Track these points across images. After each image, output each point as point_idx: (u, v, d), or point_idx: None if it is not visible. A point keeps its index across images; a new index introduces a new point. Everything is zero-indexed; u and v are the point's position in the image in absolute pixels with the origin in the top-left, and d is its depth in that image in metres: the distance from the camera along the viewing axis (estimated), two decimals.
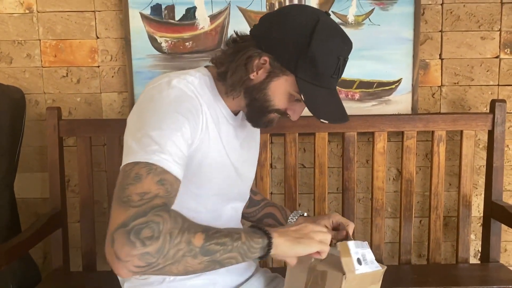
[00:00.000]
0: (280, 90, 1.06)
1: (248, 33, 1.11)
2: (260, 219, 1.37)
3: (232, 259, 0.89)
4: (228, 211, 1.20)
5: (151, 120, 0.95)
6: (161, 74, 1.09)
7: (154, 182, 0.86)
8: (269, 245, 0.92)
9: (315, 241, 0.95)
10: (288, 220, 1.30)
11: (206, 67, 1.15)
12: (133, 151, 0.90)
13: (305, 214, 1.31)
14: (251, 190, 1.38)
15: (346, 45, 1.06)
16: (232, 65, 1.06)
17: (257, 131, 1.32)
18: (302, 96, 1.03)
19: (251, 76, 1.06)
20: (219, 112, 1.10)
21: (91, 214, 1.71)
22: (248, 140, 1.23)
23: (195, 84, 1.05)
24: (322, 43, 1.01)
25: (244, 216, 1.37)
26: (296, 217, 1.29)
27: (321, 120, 1.04)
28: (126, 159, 0.90)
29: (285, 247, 0.93)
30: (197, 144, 1.03)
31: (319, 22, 1.02)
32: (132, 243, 0.78)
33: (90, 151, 1.69)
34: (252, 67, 1.05)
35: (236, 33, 1.12)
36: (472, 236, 1.87)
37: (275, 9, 1.13)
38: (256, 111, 1.10)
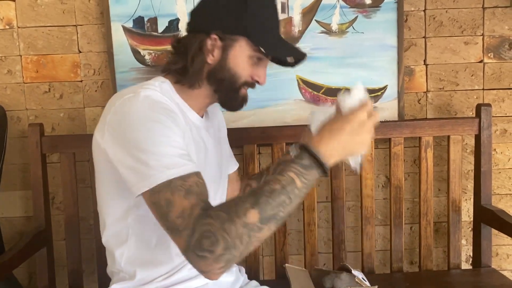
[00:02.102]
0: (240, 58, 1.09)
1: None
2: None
3: (297, 202, 0.91)
4: None
5: (138, 133, 0.95)
6: (119, 92, 1.10)
7: (183, 197, 0.90)
8: (324, 172, 0.92)
9: (368, 140, 0.96)
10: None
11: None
12: (146, 175, 0.92)
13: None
14: (248, 177, 1.45)
15: None
16: (188, 58, 1.08)
17: (221, 126, 1.34)
18: (263, 49, 1.07)
19: (209, 60, 1.09)
20: (183, 116, 1.10)
21: (76, 232, 1.67)
22: (218, 136, 1.26)
23: (156, 94, 1.06)
24: None
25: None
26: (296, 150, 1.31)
27: (288, 60, 1.13)
28: (143, 185, 0.92)
29: (338, 159, 0.94)
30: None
31: None
32: (202, 257, 0.85)
33: (74, 167, 1.66)
34: (206, 51, 1.08)
35: (175, 37, 1.19)
36: (463, 241, 1.86)
37: None
38: (226, 92, 1.12)
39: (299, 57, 1.16)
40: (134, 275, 1.11)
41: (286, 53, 1.15)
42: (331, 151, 0.92)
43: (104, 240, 1.16)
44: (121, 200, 1.07)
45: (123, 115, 0.99)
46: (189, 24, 1.14)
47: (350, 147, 0.94)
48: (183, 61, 1.09)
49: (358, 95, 0.97)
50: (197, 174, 0.94)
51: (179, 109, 1.09)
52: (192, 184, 0.91)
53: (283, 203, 0.88)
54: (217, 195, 1.24)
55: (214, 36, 1.07)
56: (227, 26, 1.08)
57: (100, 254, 1.62)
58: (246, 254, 0.89)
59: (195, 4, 1.16)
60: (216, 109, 1.31)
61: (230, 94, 1.12)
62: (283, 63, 1.20)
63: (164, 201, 0.90)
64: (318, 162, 0.91)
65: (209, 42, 1.08)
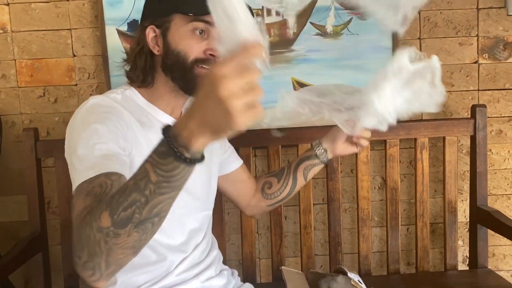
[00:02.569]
0: (180, 36, 1.05)
1: None
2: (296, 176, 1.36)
3: (162, 203, 0.72)
4: (192, 223, 1.18)
5: (75, 137, 0.98)
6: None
7: (81, 200, 0.85)
8: (193, 161, 0.68)
9: (234, 113, 0.61)
10: (317, 154, 1.33)
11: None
12: (74, 179, 0.93)
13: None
14: (269, 173, 1.44)
15: None
16: (137, 57, 1.09)
17: None
18: (192, 14, 1.02)
19: (156, 52, 1.09)
20: (152, 118, 1.10)
21: (72, 236, 1.66)
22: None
23: (117, 99, 1.07)
24: None
25: (274, 195, 1.38)
26: (320, 147, 1.33)
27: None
28: (73, 188, 0.92)
29: (212, 140, 0.67)
30: (129, 145, 1.02)
31: None
32: (75, 262, 0.79)
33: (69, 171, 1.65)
34: (151, 44, 1.08)
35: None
36: (460, 242, 1.86)
37: None
38: (181, 75, 1.06)
39: None
40: (115, 280, 1.11)
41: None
42: (191, 129, 0.66)
43: None
44: None
45: (73, 119, 1.04)
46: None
47: (213, 122, 0.64)
48: (133, 62, 1.11)
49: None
50: (108, 175, 0.87)
51: (146, 108, 1.10)
52: (95, 185, 0.85)
53: (136, 203, 0.71)
54: (204, 212, 1.23)
55: (150, 26, 1.08)
56: (157, 12, 1.08)
57: None
58: (123, 263, 0.78)
59: None
60: None
61: (186, 76, 1.05)
62: None
63: (71, 207, 0.86)
64: (174, 148, 0.67)
65: (149, 35, 1.08)
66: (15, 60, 1.74)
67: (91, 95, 1.76)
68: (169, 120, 1.12)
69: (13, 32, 1.73)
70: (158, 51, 1.08)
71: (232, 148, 1.41)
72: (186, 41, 1.05)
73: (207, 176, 1.26)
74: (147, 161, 0.71)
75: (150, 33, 1.08)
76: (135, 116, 1.06)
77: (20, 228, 1.81)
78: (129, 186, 0.73)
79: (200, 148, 0.67)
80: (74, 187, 0.90)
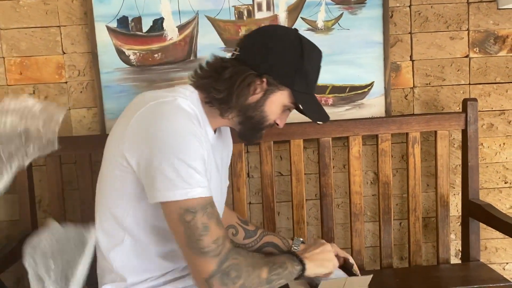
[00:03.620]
0: (276, 105, 1.13)
1: (226, 53, 1.22)
2: (259, 248, 1.41)
3: (280, 283, 1.10)
4: None
5: (181, 144, 0.98)
6: (147, 93, 1.13)
7: (216, 225, 1.00)
8: (303, 270, 1.13)
9: (333, 264, 1.22)
10: (292, 248, 1.39)
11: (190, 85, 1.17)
12: (176, 186, 0.97)
13: (302, 240, 1.43)
14: (241, 221, 1.43)
15: (320, 54, 1.18)
16: (234, 91, 1.09)
17: (229, 144, 1.35)
18: (300, 106, 1.14)
19: (247, 97, 1.11)
20: (204, 133, 1.10)
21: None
22: (222, 155, 1.26)
23: (190, 105, 1.08)
24: (310, 57, 1.13)
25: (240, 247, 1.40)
26: (298, 244, 1.40)
27: (318, 122, 1.19)
28: (171, 194, 0.97)
29: (313, 269, 1.16)
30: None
31: (301, 39, 1.13)
32: (225, 284, 0.99)
33: (60, 169, 1.64)
34: (252, 89, 1.10)
35: (221, 58, 1.16)
36: (452, 236, 1.87)
37: (255, 29, 1.20)
38: (251, 128, 1.16)
39: (324, 120, 1.20)
40: (126, 278, 1.11)
41: (318, 118, 1.18)
42: (310, 259, 1.18)
43: (98, 241, 1.14)
44: (124, 201, 1.07)
45: (157, 117, 1.01)
46: (239, 53, 1.13)
47: (321, 261, 1.20)
48: (226, 91, 1.09)
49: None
50: (212, 203, 1.03)
51: (202, 121, 1.11)
52: (215, 212, 1.02)
53: (280, 275, 1.09)
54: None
55: (264, 79, 1.10)
56: (279, 74, 1.11)
57: None
58: None
59: (246, 34, 1.20)
60: (227, 129, 1.33)
61: (253, 132, 1.18)
62: (302, 112, 1.21)
63: (201, 225, 0.98)
64: (300, 261, 1.15)
65: (257, 82, 1.10)
66: (4, 58, 1.73)
67: (81, 92, 1.75)
68: (211, 134, 1.15)
69: (1, 29, 1.71)
70: (251, 98, 1.11)
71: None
72: (276, 111, 1.15)
73: (223, 185, 1.31)
74: (287, 259, 1.14)
75: (258, 81, 1.10)
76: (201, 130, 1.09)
77: (11, 227, 1.80)
78: (280, 262, 1.11)
79: (309, 268, 1.16)
80: (179, 194, 0.97)
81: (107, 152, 1.12)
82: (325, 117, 1.20)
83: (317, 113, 1.19)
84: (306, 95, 1.15)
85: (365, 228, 1.78)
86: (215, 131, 1.19)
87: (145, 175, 1.00)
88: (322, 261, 1.18)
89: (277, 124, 1.19)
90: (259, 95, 1.11)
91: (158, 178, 0.97)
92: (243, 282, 1.01)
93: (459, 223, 1.85)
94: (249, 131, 1.17)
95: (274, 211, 1.70)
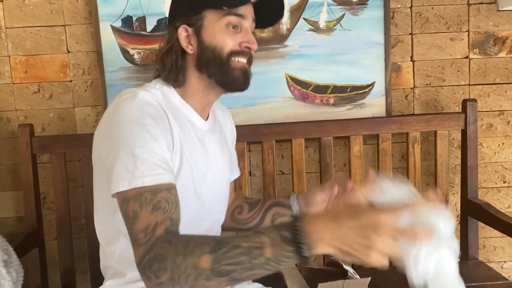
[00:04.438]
0: (214, 31, 1.06)
1: None
2: (264, 214, 1.32)
3: (259, 273, 0.82)
4: (208, 224, 1.20)
5: (126, 131, 0.95)
6: (121, 92, 1.09)
7: (149, 213, 0.89)
8: (300, 252, 0.77)
9: (379, 244, 0.73)
10: (291, 207, 1.26)
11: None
12: (121, 176, 0.92)
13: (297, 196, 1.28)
14: (247, 198, 1.39)
15: None
16: (165, 57, 1.09)
17: (228, 134, 1.31)
18: (225, 7, 1.04)
19: (190, 51, 1.08)
20: (183, 118, 1.10)
21: (68, 231, 1.67)
22: (221, 143, 1.23)
23: (157, 95, 1.06)
24: None
25: (241, 222, 1.35)
26: (296, 205, 1.26)
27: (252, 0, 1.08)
28: (117, 185, 0.92)
29: (333, 249, 0.77)
30: (175, 149, 1.03)
31: None
32: (149, 278, 0.85)
33: (64, 167, 1.66)
34: (184, 43, 1.08)
35: (158, 46, 1.15)
36: None
37: None
38: (218, 70, 1.07)
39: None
40: (125, 273, 1.12)
41: None
42: (323, 236, 0.76)
43: (99, 235, 1.17)
44: (109, 198, 1.08)
45: (114, 114, 1.00)
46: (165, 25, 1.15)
47: (349, 244, 0.75)
48: (166, 62, 1.09)
49: (404, 194, 0.79)
50: (169, 189, 0.93)
51: (179, 111, 1.09)
52: (161, 199, 0.90)
53: (241, 264, 0.80)
54: (220, 205, 1.24)
55: (182, 25, 1.07)
56: (187, 10, 1.07)
57: (92, 253, 1.63)
58: None
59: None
60: (227, 117, 1.32)
61: (223, 71, 1.07)
62: (263, 23, 1.15)
63: (131, 213, 0.90)
64: (299, 241, 0.77)
65: (182, 34, 1.07)
66: (9, 56, 1.75)
67: (85, 91, 1.77)
68: (199, 120, 1.13)
69: (7, 28, 1.73)
70: (191, 49, 1.08)
71: (236, 154, 1.39)
72: (221, 35, 1.06)
73: (227, 184, 1.28)
74: (267, 234, 0.80)
75: (182, 32, 1.07)
76: (175, 118, 1.06)
77: (16, 224, 1.82)
78: (242, 246, 0.80)
79: (319, 252, 0.77)
80: (122, 185, 0.91)
81: (93, 153, 1.12)
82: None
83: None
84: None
85: None
86: (207, 119, 1.17)
87: (106, 172, 0.99)
88: (353, 244, 0.74)
89: (248, 47, 1.08)
90: (194, 41, 1.07)
91: (111, 172, 0.95)
92: (171, 275, 0.83)
93: (458, 222, 1.86)
94: (220, 74, 1.08)
95: None
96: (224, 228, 1.30)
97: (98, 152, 1.04)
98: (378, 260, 0.75)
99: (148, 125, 0.97)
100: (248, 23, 1.09)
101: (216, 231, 1.25)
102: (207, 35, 1.07)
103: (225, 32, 1.06)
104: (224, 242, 0.83)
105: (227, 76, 1.08)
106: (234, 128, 1.37)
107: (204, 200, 1.14)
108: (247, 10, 1.09)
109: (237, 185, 1.53)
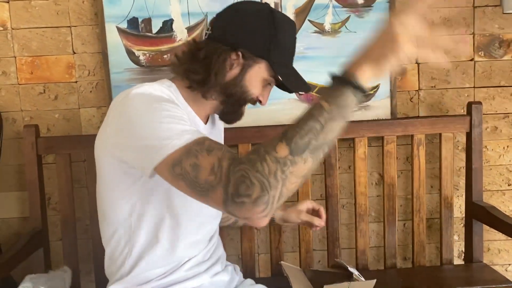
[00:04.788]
0: (256, 79, 1.11)
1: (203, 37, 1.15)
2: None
3: (333, 131, 0.83)
4: (210, 223, 1.21)
5: (150, 112, 0.95)
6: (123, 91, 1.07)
7: (207, 156, 0.86)
8: (359, 90, 0.83)
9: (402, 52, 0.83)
10: None
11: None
12: (160, 145, 0.89)
13: None
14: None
15: (294, 25, 1.17)
16: (212, 70, 1.08)
17: (221, 135, 1.35)
18: (279, 77, 1.11)
19: (225, 75, 1.09)
20: (191, 121, 1.10)
21: (73, 232, 1.68)
22: None
23: (165, 91, 1.06)
24: (284, 27, 1.11)
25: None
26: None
27: (299, 92, 1.22)
28: (160, 154, 0.89)
29: (375, 73, 0.84)
30: None
31: (272, 10, 1.12)
32: (241, 203, 0.81)
33: (70, 168, 1.66)
34: (228, 65, 1.09)
35: (194, 40, 1.15)
36: (456, 237, 1.89)
37: (226, 7, 1.18)
38: (232, 105, 1.13)
39: (305, 90, 1.20)
40: (132, 275, 1.13)
41: (297, 87, 1.16)
42: (359, 61, 0.86)
43: (104, 241, 1.18)
44: (124, 200, 1.09)
45: (127, 105, 0.99)
46: (212, 32, 1.12)
47: (382, 54, 0.84)
48: (204, 71, 1.08)
49: None
50: (209, 139, 0.91)
51: (185, 111, 1.08)
52: (210, 144, 0.89)
53: (313, 129, 0.81)
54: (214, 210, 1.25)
55: (239, 53, 1.08)
56: (253, 47, 1.09)
57: (96, 254, 1.63)
58: (290, 194, 0.84)
59: (218, 13, 1.16)
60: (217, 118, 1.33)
61: (235, 109, 1.14)
62: (283, 87, 1.21)
63: (189, 167, 0.86)
64: (345, 79, 0.83)
65: (233, 57, 1.09)
66: (15, 57, 1.75)
67: (91, 92, 1.77)
68: (200, 123, 1.14)
69: (13, 29, 1.74)
70: (228, 75, 1.09)
71: None
72: (256, 84, 1.12)
73: None
74: (317, 99, 0.85)
75: (234, 56, 1.09)
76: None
77: (21, 224, 1.82)
78: (304, 117, 0.83)
79: (364, 78, 0.83)
80: (165, 151, 0.88)
81: (97, 157, 1.13)
82: (304, 87, 1.17)
83: (296, 83, 1.14)
84: (284, 67, 1.13)
85: (369, 229, 1.80)
86: (206, 123, 1.18)
87: (129, 161, 0.99)
88: (380, 58, 0.84)
89: (260, 102, 1.15)
90: (236, 70, 1.09)
91: (138, 153, 0.95)
92: (260, 184, 0.80)
93: (462, 225, 1.87)
94: (231, 109, 1.14)
95: None
96: None
97: (113, 149, 1.03)
98: (408, 48, 0.83)
99: (166, 101, 0.99)
100: (273, 85, 1.18)
101: (215, 230, 1.26)
102: (249, 77, 1.11)
103: (260, 84, 1.13)
104: (286, 127, 0.84)
105: (233, 113, 1.16)
106: (222, 129, 1.38)
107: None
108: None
109: None
